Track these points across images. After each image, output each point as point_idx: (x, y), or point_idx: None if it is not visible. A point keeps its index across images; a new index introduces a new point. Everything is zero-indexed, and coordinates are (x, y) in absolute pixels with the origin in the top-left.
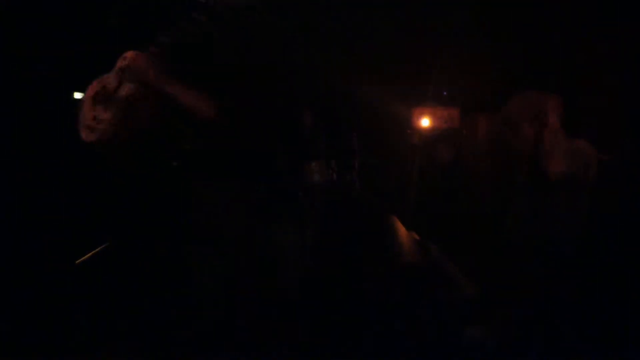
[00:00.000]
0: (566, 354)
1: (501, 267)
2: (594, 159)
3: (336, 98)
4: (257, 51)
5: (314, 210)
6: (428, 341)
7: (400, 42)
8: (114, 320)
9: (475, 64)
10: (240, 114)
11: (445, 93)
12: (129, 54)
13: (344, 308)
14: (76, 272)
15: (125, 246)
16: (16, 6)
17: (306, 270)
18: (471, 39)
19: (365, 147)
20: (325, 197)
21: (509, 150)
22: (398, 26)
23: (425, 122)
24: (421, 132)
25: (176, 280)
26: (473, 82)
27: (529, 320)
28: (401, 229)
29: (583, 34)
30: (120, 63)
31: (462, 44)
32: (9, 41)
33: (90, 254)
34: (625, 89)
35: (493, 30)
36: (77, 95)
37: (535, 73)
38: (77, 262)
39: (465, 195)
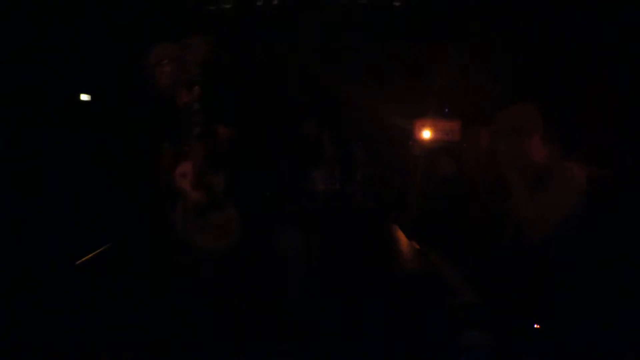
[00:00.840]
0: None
1: (501, 274)
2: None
3: (341, 110)
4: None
5: (317, 218)
6: (427, 345)
7: (404, 62)
8: (115, 320)
9: (474, 81)
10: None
11: (446, 110)
12: None
13: (345, 312)
14: (78, 272)
15: (126, 247)
16: (24, 7)
17: (308, 275)
18: (471, 59)
19: (368, 158)
20: (328, 205)
21: (500, 158)
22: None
23: (426, 134)
24: (423, 143)
25: (176, 282)
26: (472, 98)
27: (527, 325)
28: (402, 238)
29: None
30: None
31: (462, 62)
32: (16, 42)
33: (91, 255)
34: (623, 105)
35: (492, 50)
36: (84, 97)
37: (532, 91)
38: (78, 262)
39: (465, 204)
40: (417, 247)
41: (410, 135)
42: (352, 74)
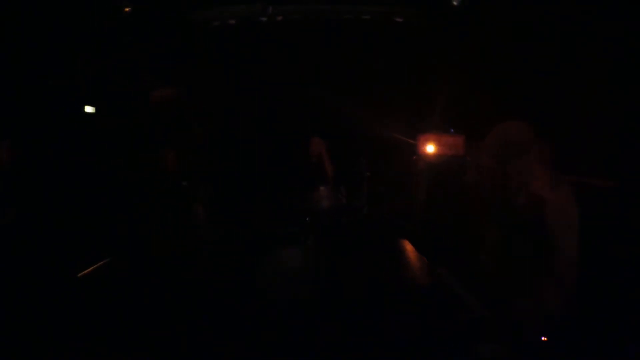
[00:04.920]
0: None
1: (509, 286)
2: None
3: (346, 127)
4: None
5: (323, 234)
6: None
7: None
8: (114, 333)
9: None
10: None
11: (452, 130)
12: None
13: (356, 326)
14: (78, 285)
15: (127, 261)
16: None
17: (317, 289)
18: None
19: (374, 173)
20: (334, 222)
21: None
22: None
23: (430, 148)
24: (427, 158)
25: (177, 295)
26: (475, 112)
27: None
28: (412, 252)
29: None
30: None
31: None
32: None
33: (92, 268)
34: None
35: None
36: (88, 109)
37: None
38: (79, 275)
39: (472, 219)
40: (427, 261)
41: (414, 150)
42: (356, 90)
